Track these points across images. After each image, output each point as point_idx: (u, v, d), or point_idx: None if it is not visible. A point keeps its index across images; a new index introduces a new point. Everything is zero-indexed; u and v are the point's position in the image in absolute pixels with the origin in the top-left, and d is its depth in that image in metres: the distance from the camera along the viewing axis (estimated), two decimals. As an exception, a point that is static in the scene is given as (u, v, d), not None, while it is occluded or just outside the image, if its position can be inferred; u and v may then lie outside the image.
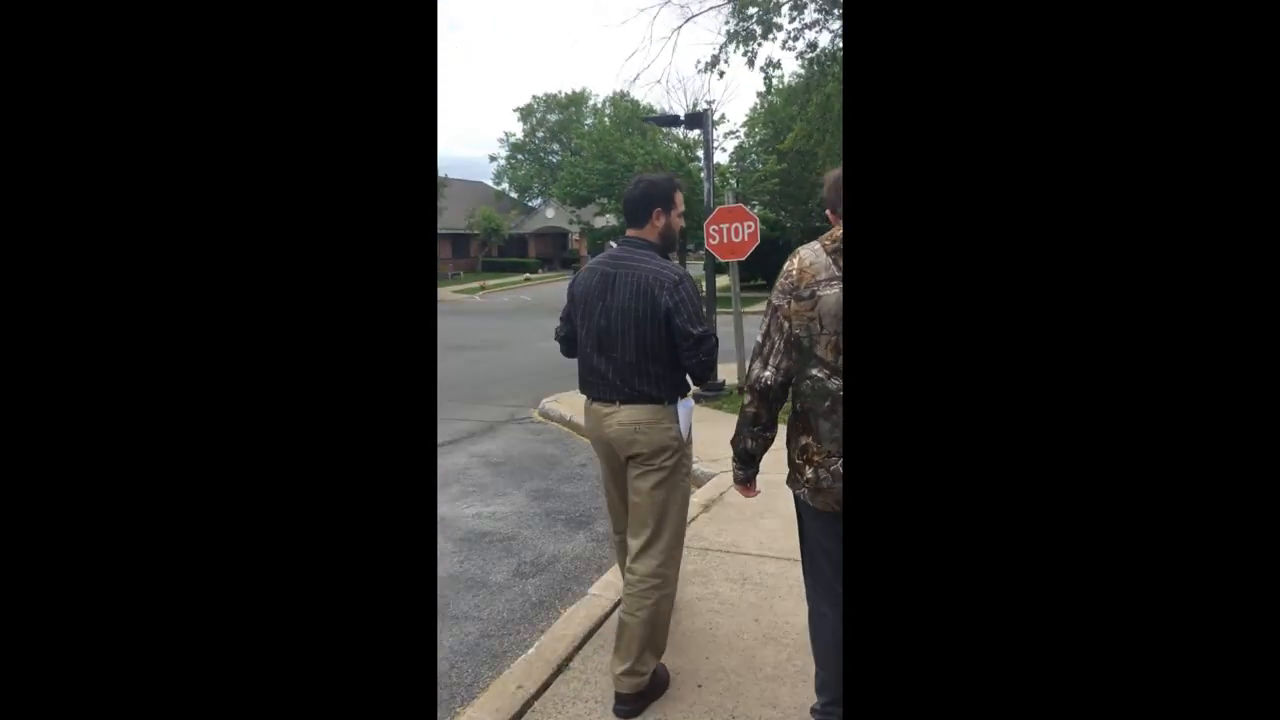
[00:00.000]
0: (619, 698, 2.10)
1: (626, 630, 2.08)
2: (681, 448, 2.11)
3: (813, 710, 1.91)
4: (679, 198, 2.19)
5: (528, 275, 32.40)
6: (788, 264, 1.68)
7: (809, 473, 1.67)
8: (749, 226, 6.41)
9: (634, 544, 2.11)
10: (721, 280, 9.47)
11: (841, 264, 1.60)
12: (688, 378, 2.14)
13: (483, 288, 26.79)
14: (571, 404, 6.56)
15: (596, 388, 2.15)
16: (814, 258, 1.65)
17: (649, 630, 2.07)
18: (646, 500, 2.08)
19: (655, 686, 2.16)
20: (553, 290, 25.55)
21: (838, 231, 1.65)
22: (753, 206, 23.74)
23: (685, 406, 2.13)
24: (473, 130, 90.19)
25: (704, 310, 2.13)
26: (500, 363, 9.84)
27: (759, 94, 23.88)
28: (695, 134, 24.99)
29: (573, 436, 5.75)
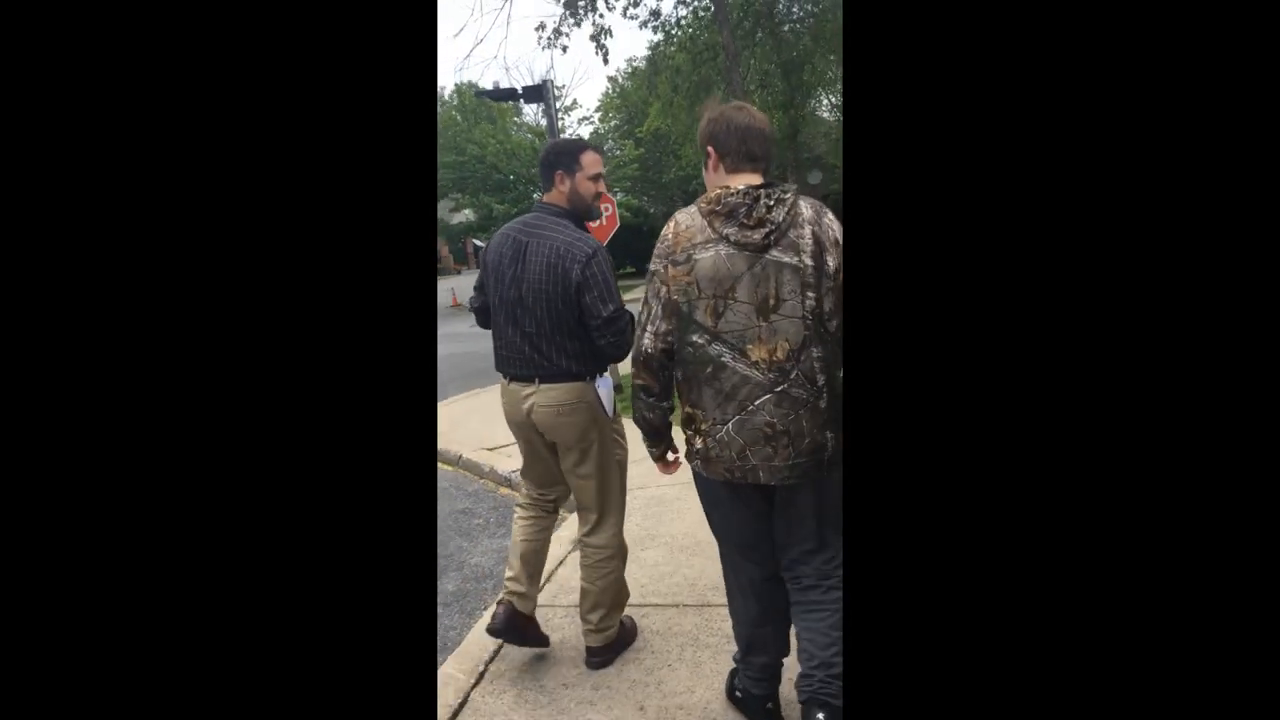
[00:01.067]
0: (590, 650, 2.17)
1: (589, 596, 2.13)
2: (607, 423, 2.07)
3: (735, 661, 1.91)
4: (588, 159, 2.06)
5: (385, 280, 30.42)
6: (665, 229, 1.63)
7: (698, 443, 1.62)
8: (606, 209, 5.86)
9: (583, 521, 2.16)
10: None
11: (717, 225, 1.54)
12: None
13: (335, 297, 24.75)
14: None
15: (513, 364, 2.06)
16: (690, 220, 1.59)
17: (610, 594, 2.14)
18: (589, 484, 2.09)
19: (624, 637, 2.24)
20: (413, 294, 24.00)
21: (715, 191, 1.58)
22: (614, 193, 23.49)
23: (605, 384, 2.06)
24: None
25: (615, 287, 2.00)
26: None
27: (609, 78, 23.47)
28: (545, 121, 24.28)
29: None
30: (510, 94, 6.00)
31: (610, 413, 2.08)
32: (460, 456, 4.79)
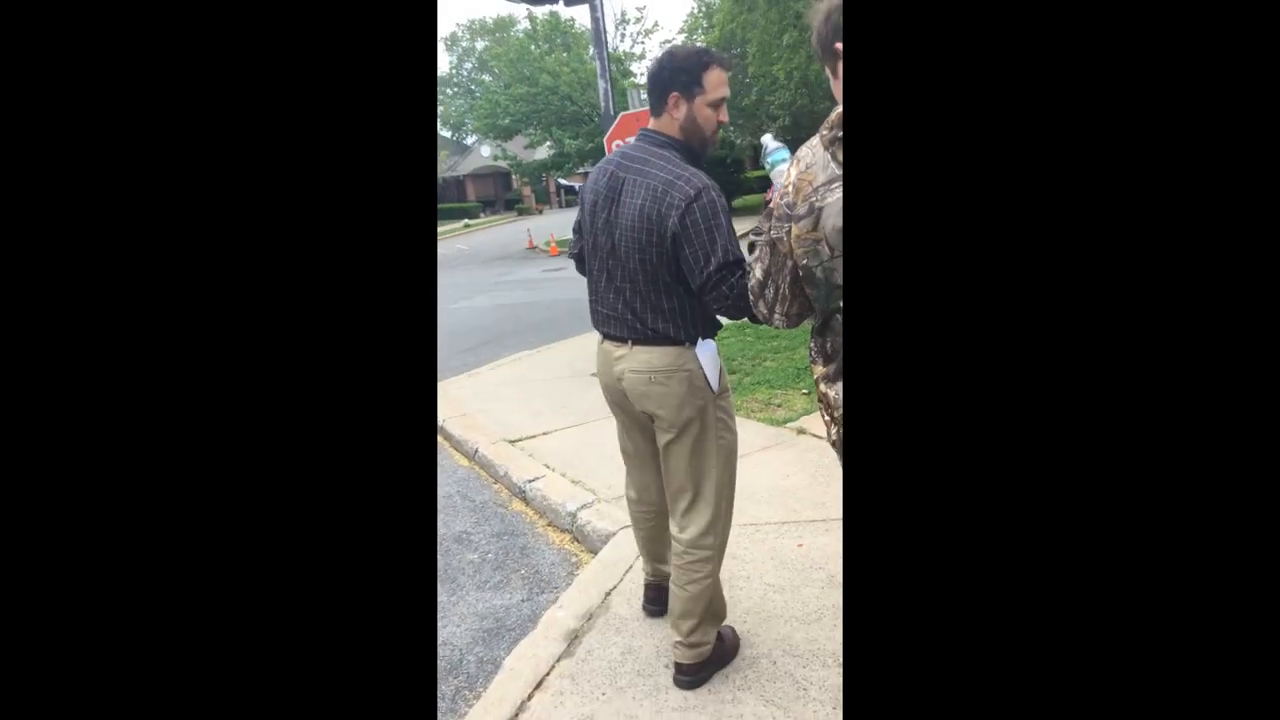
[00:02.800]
0: (678, 667, 1.83)
1: (678, 602, 1.79)
2: (710, 399, 1.70)
3: None
4: (712, 78, 1.60)
5: (467, 222, 30.11)
6: (785, 177, 1.25)
7: (833, 432, 1.31)
8: (665, 138, 4.70)
9: (675, 510, 1.79)
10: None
11: (842, 157, 1.17)
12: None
13: (415, 240, 24.54)
14: (454, 399, 4.92)
15: (605, 321, 1.75)
16: (811, 156, 1.20)
17: (703, 602, 1.77)
18: (682, 467, 1.73)
19: (722, 653, 1.87)
20: (494, 236, 23.47)
21: (836, 110, 1.17)
22: (699, 125, 21.75)
23: (707, 349, 1.68)
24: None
25: (727, 234, 1.55)
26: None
27: (696, -4, 21.50)
28: (626, 45, 22.65)
29: (449, 455, 4.15)
30: (547, -8, 4.90)
31: (715, 386, 1.71)
32: (476, 450, 3.89)
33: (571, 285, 11.26)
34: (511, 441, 3.93)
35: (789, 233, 1.22)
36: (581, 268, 1.86)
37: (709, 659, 1.82)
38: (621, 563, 2.47)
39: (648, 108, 4.58)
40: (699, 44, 2.10)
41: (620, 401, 1.80)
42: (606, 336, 1.77)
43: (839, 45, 1.16)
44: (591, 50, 20.85)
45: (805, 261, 1.21)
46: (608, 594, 2.29)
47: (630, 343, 1.70)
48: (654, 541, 2.01)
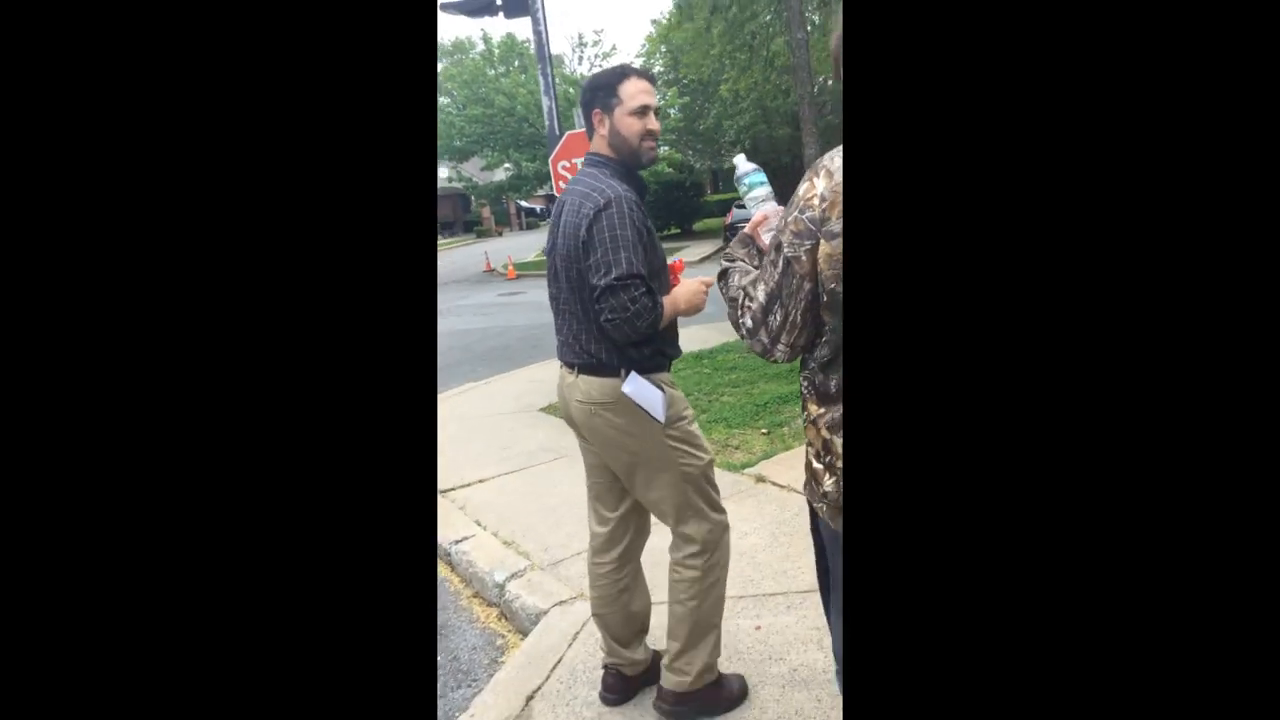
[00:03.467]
0: (658, 690, 1.75)
1: (670, 617, 1.72)
2: (658, 430, 1.60)
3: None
4: (629, 88, 1.60)
5: (424, 244, 29.50)
6: (805, 187, 1.13)
7: (828, 483, 1.20)
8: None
9: (666, 524, 1.72)
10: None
11: None
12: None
13: (369, 263, 23.87)
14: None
15: (560, 348, 1.72)
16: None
17: (687, 625, 1.68)
18: (649, 500, 1.69)
19: (715, 699, 1.72)
20: (452, 258, 22.94)
21: None
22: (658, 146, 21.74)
23: (633, 384, 1.57)
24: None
25: (632, 247, 1.49)
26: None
27: (653, 21, 21.55)
28: (584, 69, 22.45)
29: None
30: (486, 7, 4.58)
31: (660, 416, 1.60)
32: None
33: (525, 311, 10.89)
34: (442, 492, 3.54)
35: (812, 251, 1.11)
36: None
37: (692, 694, 1.70)
38: (550, 653, 2.10)
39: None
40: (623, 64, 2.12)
41: (578, 431, 1.74)
42: (563, 363, 1.71)
43: None
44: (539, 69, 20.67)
45: (834, 286, 1.11)
46: (529, 698, 1.92)
47: (576, 370, 1.64)
48: (612, 616, 1.80)
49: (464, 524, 3.11)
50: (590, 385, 1.60)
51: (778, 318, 1.18)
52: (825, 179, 1.10)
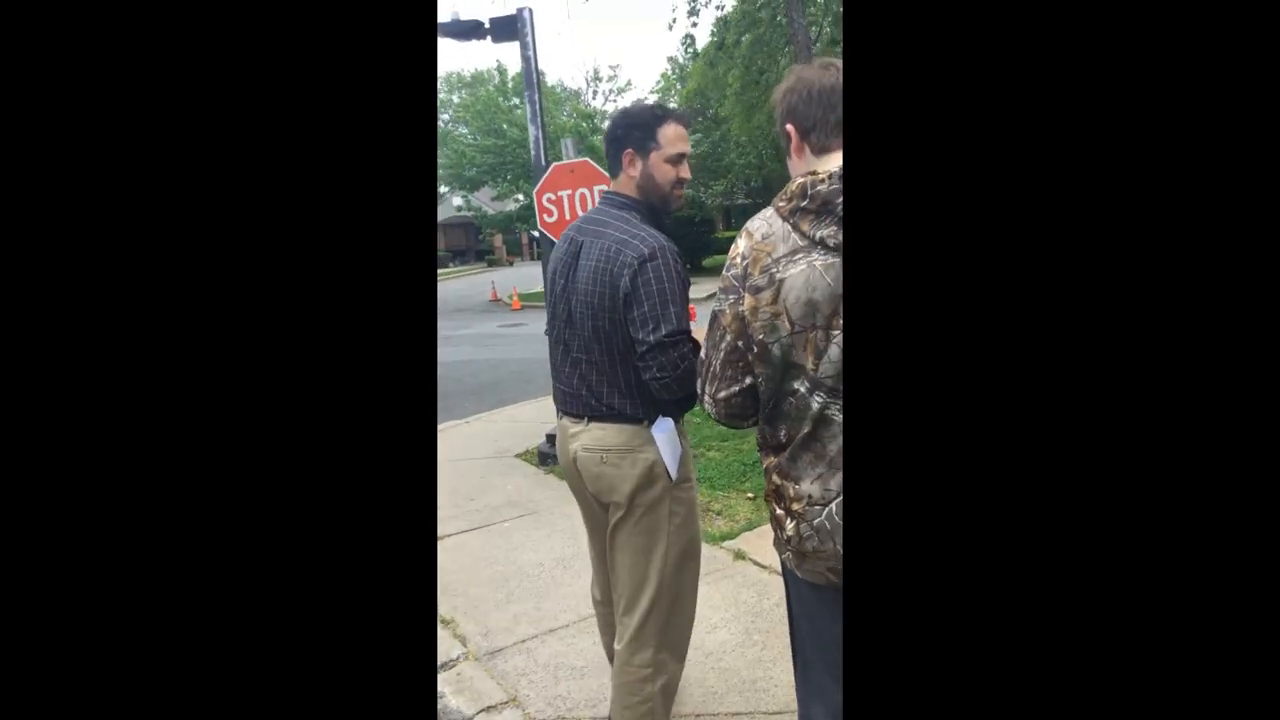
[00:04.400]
0: None
1: None
2: (667, 489, 1.54)
3: None
4: (668, 133, 1.54)
5: (434, 271, 29.52)
6: (733, 247, 1.22)
7: (790, 529, 1.20)
8: (601, 192, 4.13)
9: (621, 612, 1.59)
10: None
11: (805, 228, 1.15)
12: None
13: (377, 288, 23.82)
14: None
15: (563, 398, 1.64)
16: (767, 228, 1.18)
17: None
18: (626, 558, 1.55)
19: None
20: (459, 287, 22.86)
21: (797, 181, 1.17)
22: (671, 183, 21.64)
23: (664, 429, 1.53)
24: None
25: (680, 301, 1.46)
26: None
27: (669, 58, 21.67)
28: (598, 103, 22.58)
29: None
30: (474, 29, 4.38)
31: (673, 474, 1.51)
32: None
33: (523, 344, 10.63)
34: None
35: (735, 305, 1.19)
36: None
37: None
38: (461, 782, 1.74)
39: (583, 158, 3.98)
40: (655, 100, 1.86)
41: (577, 485, 1.66)
42: (564, 413, 1.64)
43: (789, 127, 1.24)
44: (566, 107, 20.68)
45: (761, 337, 1.16)
46: None
47: (586, 419, 1.57)
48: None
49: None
50: (605, 433, 1.53)
51: (705, 370, 1.25)
52: (746, 239, 1.19)
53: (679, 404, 1.55)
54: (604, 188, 4.24)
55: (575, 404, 1.57)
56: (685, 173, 1.58)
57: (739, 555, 2.83)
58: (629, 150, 1.55)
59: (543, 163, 4.29)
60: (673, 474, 1.52)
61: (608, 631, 1.72)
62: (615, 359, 1.50)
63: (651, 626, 1.53)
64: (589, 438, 1.54)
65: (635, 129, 1.55)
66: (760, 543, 2.92)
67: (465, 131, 18.65)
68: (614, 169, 1.60)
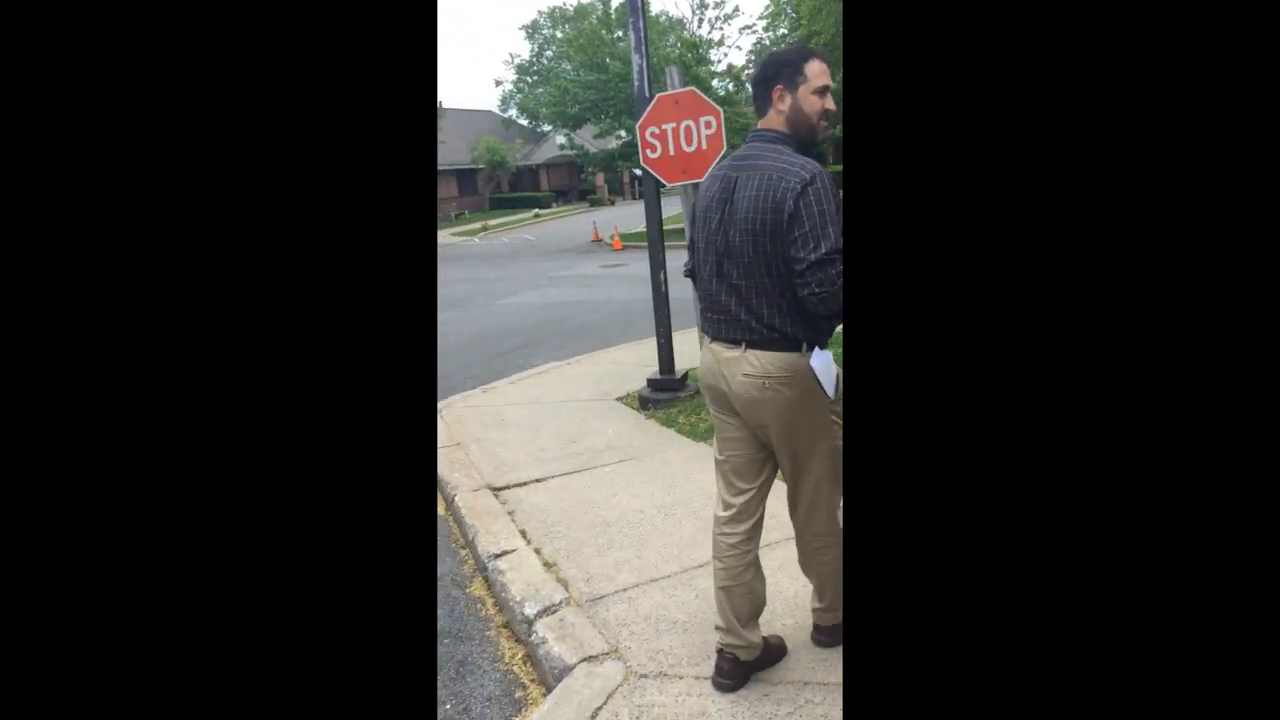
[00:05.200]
0: (816, 628, 1.97)
1: (811, 574, 1.88)
2: (826, 406, 1.67)
3: None
4: (813, 68, 1.65)
5: (536, 211, 29.83)
6: None
7: None
8: (708, 125, 3.89)
9: (794, 507, 1.82)
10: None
11: None
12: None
13: (484, 228, 24.40)
14: (454, 422, 4.29)
15: (717, 324, 1.72)
16: None
17: (833, 582, 1.84)
18: (790, 470, 1.75)
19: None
20: (561, 227, 23.05)
21: None
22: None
23: (823, 358, 1.62)
24: (476, 57, 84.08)
25: (836, 223, 1.55)
26: (443, 330, 7.64)
27: (779, -21, 20.33)
28: (704, 32, 21.60)
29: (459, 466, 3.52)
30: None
31: (830, 393, 1.65)
32: (454, 497, 3.23)
33: (625, 284, 10.58)
34: (496, 490, 3.25)
35: None
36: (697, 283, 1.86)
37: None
38: (563, 731, 1.73)
39: (689, 88, 3.74)
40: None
41: (722, 402, 1.76)
42: (716, 338, 1.72)
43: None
44: (670, 37, 19.93)
45: None
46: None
47: (744, 345, 1.66)
48: (736, 591, 1.80)
49: (508, 534, 2.80)
50: (764, 359, 1.63)
51: None
52: None
53: (830, 324, 1.67)
54: (710, 119, 4.02)
55: (733, 329, 1.67)
56: (830, 104, 1.67)
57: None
58: (779, 86, 1.66)
59: (646, 94, 4.09)
60: (830, 395, 1.66)
61: (723, 556, 1.80)
62: (777, 279, 1.60)
63: (825, 509, 1.77)
64: (749, 364, 1.64)
65: (785, 65, 1.67)
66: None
67: (568, 67, 18.37)
68: (762, 107, 1.70)
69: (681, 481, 3.17)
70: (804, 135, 1.67)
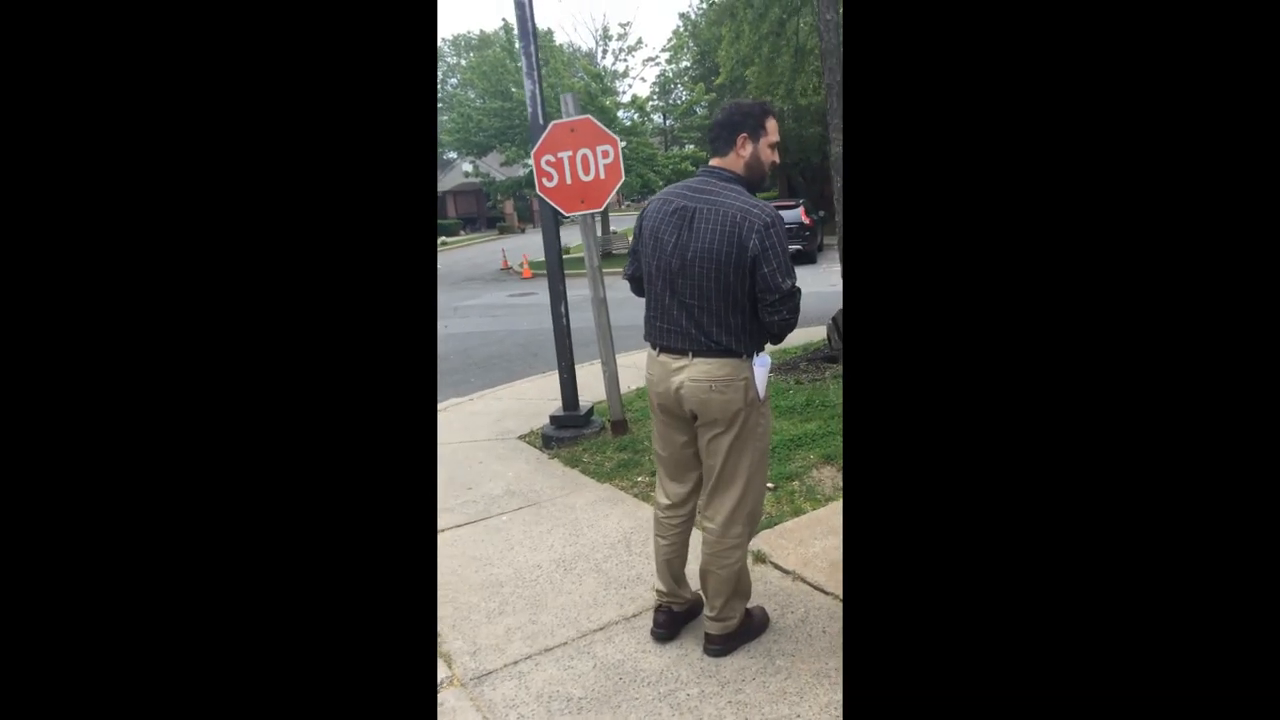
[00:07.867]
0: (707, 637, 2.07)
1: (711, 582, 2.03)
2: (757, 404, 1.94)
3: None
4: (771, 125, 1.93)
5: (443, 240, 29.11)
6: None
7: None
8: (605, 154, 3.77)
9: (710, 502, 2.01)
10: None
11: None
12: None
13: (387, 258, 23.45)
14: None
15: (666, 335, 1.95)
16: None
17: (731, 584, 2.01)
18: (722, 460, 1.95)
19: (750, 629, 2.11)
20: (468, 256, 22.50)
21: None
22: (683, 146, 20.92)
23: (761, 364, 1.92)
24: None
25: (791, 260, 1.85)
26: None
27: (681, 15, 20.87)
28: (609, 62, 21.83)
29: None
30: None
31: (762, 394, 1.93)
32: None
33: (532, 314, 10.31)
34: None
35: None
36: (636, 288, 2.08)
37: (736, 632, 2.06)
38: None
39: (585, 116, 3.60)
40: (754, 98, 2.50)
41: (671, 407, 1.98)
42: (664, 350, 1.95)
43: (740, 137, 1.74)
44: (576, 67, 19.99)
45: None
46: None
47: (691, 354, 1.89)
48: (675, 560, 2.12)
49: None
50: (710, 366, 1.87)
51: None
52: None
53: (773, 338, 1.91)
54: (607, 148, 3.89)
55: (682, 341, 1.89)
56: (776, 157, 1.96)
57: (759, 558, 2.54)
58: (744, 134, 1.88)
59: (541, 121, 3.93)
60: (761, 395, 1.92)
61: (666, 533, 2.09)
62: (729, 305, 1.83)
63: (741, 510, 1.96)
64: (696, 371, 1.87)
65: (750, 117, 1.89)
66: (782, 543, 2.62)
67: (473, 95, 18.10)
68: (723, 149, 1.91)
69: (585, 529, 2.96)
70: (754, 180, 1.94)
